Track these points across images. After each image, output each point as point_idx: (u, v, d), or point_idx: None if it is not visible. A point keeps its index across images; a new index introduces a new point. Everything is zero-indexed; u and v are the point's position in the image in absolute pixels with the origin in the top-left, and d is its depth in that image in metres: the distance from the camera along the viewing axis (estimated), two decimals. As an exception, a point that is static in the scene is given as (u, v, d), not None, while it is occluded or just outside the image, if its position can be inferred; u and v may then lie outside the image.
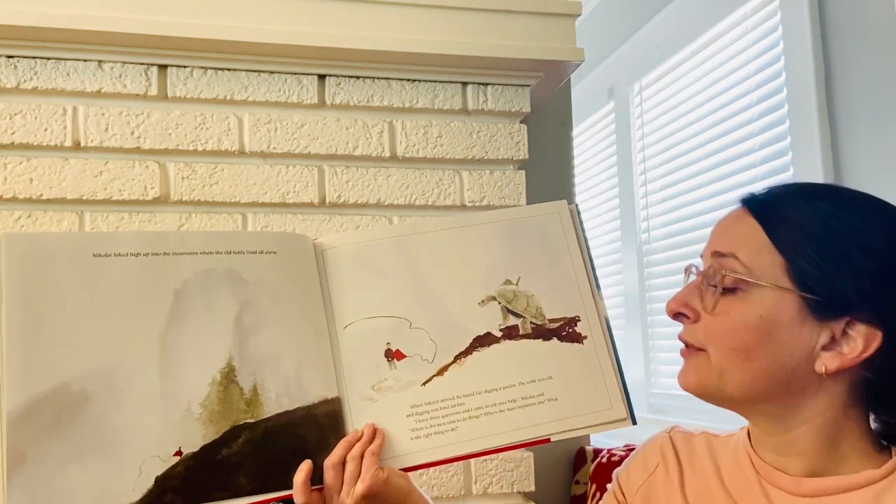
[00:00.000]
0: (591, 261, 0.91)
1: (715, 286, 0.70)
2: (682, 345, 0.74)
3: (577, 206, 0.93)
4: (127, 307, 0.79)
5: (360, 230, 0.91)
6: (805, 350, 0.67)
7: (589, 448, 1.54)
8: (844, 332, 0.66)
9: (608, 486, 0.87)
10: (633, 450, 0.89)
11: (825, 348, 0.67)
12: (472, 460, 1.27)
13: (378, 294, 0.86)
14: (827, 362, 0.66)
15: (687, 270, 0.76)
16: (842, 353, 0.66)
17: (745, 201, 0.73)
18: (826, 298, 0.66)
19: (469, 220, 0.93)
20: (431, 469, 1.25)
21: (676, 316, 0.74)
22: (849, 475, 0.68)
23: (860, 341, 0.65)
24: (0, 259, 0.76)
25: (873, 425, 0.70)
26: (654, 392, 2.17)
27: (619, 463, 1.38)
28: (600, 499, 0.87)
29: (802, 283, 0.67)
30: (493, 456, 1.28)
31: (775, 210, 0.70)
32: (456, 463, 1.26)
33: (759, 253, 0.69)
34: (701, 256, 0.75)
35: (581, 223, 0.92)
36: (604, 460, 1.46)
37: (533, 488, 1.29)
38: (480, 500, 1.28)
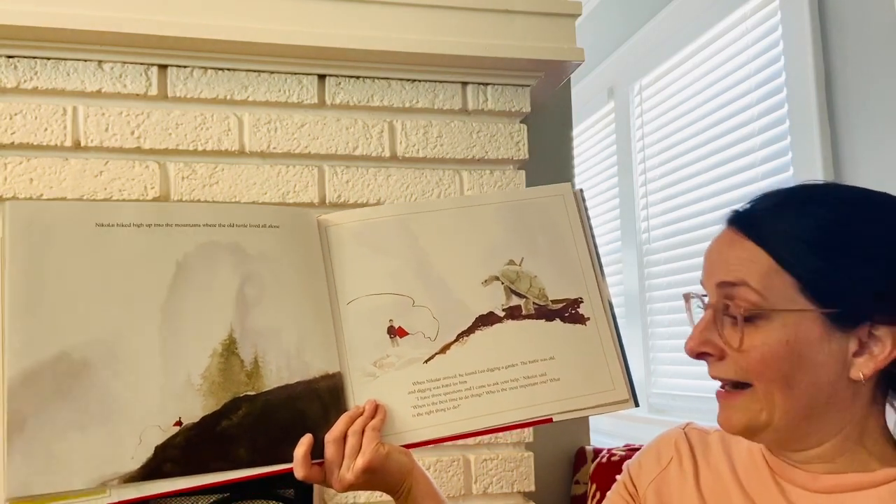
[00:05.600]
0: (594, 244, 0.90)
1: (734, 318, 0.67)
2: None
3: (581, 189, 0.93)
4: (129, 277, 0.79)
5: (363, 208, 0.91)
6: (839, 363, 0.65)
7: (589, 448, 1.54)
8: (871, 335, 0.65)
9: (617, 477, 0.87)
10: (633, 450, 0.88)
11: (856, 355, 0.65)
12: (473, 459, 1.27)
13: (381, 271, 0.86)
14: (862, 368, 0.65)
15: (686, 298, 0.74)
16: (873, 354, 0.65)
17: (733, 221, 0.70)
18: (845, 308, 0.65)
19: (473, 200, 0.93)
20: (431, 468, 1.25)
21: (700, 356, 0.71)
22: (866, 472, 0.67)
23: (888, 341, 0.64)
24: (4, 226, 0.77)
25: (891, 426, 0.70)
26: (655, 392, 2.17)
27: (619, 463, 1.38)
28: (601, 499, 0.87)
29: (819, 299, 0.65)
30: (493, 456, 1.28)
31: (768, 226, 0.68)
32: (455, 463, 1.26)
33: (768, 276, 0.66)
34: (701, 284, 0.72)
35: (585, 206, 0.92)
36: (604, 460, 1.46)
37: (533, 488, 1.29)
38: (480, 500, 1.27)
